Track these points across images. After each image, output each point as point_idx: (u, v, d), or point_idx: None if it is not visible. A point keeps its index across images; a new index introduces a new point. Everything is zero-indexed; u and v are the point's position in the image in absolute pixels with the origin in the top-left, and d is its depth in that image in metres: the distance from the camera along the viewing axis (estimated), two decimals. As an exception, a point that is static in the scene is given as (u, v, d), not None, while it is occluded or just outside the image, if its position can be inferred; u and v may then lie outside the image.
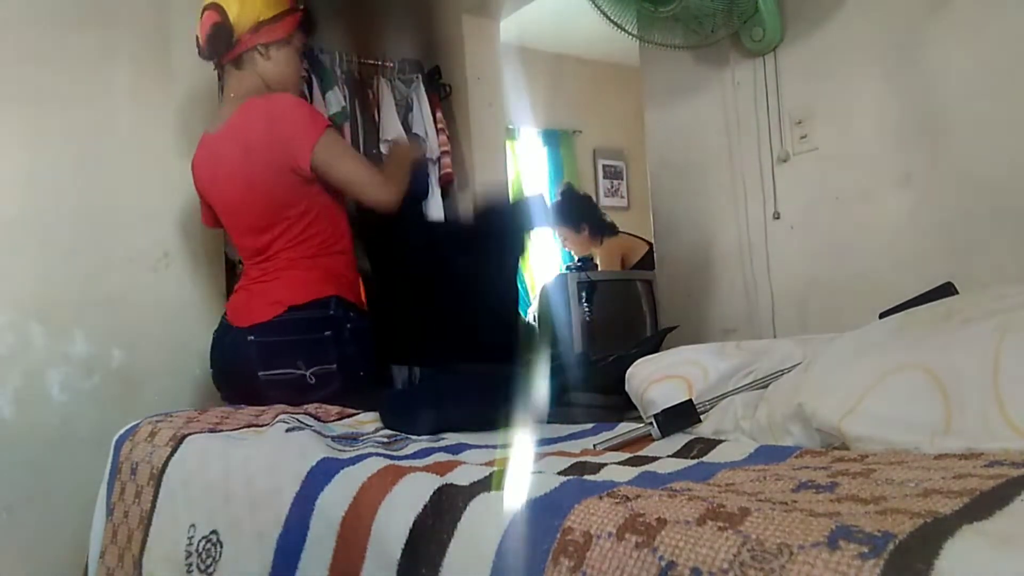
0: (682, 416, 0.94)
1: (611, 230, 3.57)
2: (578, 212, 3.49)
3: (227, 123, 1.64)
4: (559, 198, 3.55)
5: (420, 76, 2.91)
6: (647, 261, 3.40)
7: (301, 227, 1.62)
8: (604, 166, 4.91)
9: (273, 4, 1.68)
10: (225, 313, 1.73)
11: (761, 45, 1.90)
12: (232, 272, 2.39)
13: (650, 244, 3.46)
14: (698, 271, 2.18)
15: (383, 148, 2.79)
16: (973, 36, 1.54)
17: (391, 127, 2.78)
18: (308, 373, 1.58)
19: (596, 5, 1.76)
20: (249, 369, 1.58)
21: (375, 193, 1.62)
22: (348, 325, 1.64)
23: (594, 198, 4.81)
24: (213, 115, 1.77)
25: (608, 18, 1.80)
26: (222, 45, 1.65)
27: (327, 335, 1.61)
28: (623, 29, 1.82)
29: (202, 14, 1.65)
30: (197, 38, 1.69)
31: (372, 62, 2.92)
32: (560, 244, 3.58)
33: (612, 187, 4.97)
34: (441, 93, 2.97)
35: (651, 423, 0.93)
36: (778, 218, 1.94)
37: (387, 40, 3.08)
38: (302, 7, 1.76)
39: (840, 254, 1.81)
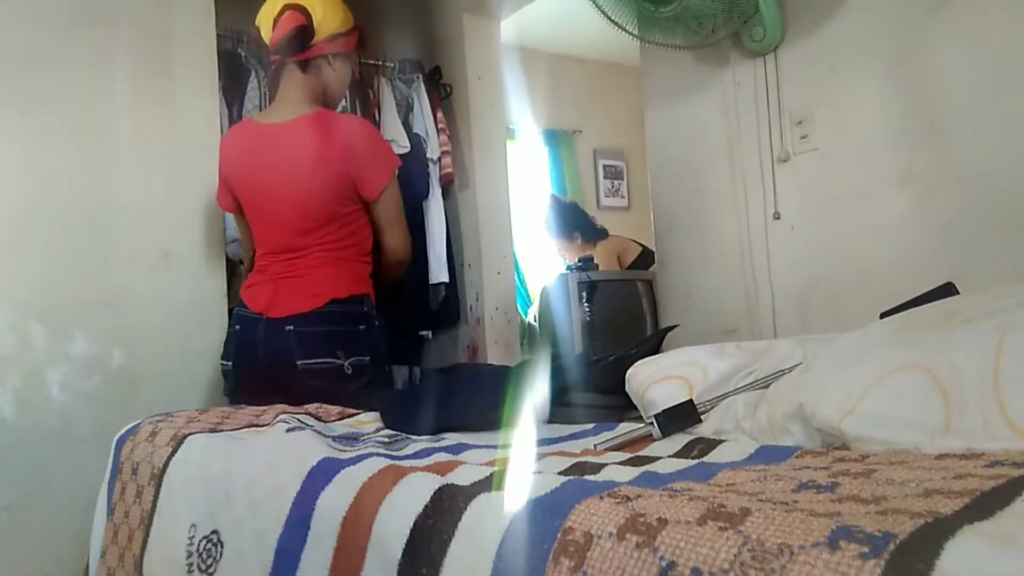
0: (683, 416, 0.94)
1: (603, 234, 3.58)
2: (569, 221, 3.50)
3: (291, 123, 1.70)
4: (547, 211, 3.55)
5: (420, 76, 2.91)
6: (640, 262, 3.40)
7: (343, 233, 1.73)
8: (604, 166, 4.90)
9: (348, 19, 1.79)
10: (245, 305, 1.75)
11: (761, 45, 1.90)
12: (233, 272, 2.39)
13: (643, 246, 3.47)
14: (698, 271, 2.18)
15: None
16: (973, 36, 1.54)
17: (392, 127, 2.78)
18: (346, 363, 1.65)
19: (596, 5, 1.76)
20: (287, 358, 1.64)
21: (403, 245, 1.81)
22: (376, 323, 1.75)
23: (594, 198, 4.82)
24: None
25: (608, 18, 1.80)
26: (298, 46, 1.70)
27: (362, 329, 1.70)
28: (623, 29, 1.82)
29: (282, 12, 1.69)
30: (259, 29, 1.74)
31: (372, 62, 2.92)
32: (557, 254, 3.58)
33: (612, 187, 4.97)
34: (441, 93, 2.97)
35: (651, 423, 0.93)
36: (778, 218, 1.94)
37: (387, 40, 3.08)
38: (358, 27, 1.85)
39: (840, 254, 1.81)
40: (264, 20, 1.72)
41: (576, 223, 3.51)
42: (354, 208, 1.73)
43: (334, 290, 1.68)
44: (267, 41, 1.73)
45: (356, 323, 1.70)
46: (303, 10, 1.68)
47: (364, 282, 1.76)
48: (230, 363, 1.75)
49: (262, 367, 1.69)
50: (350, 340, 1.68)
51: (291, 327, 1.65)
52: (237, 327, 1.75)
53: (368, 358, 1.69)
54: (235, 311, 1.79)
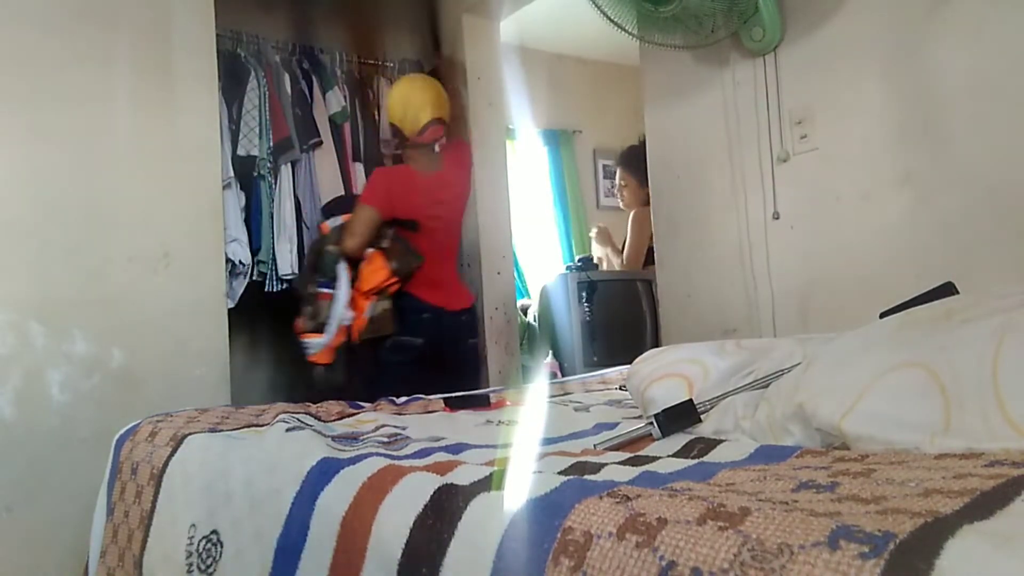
0: (682, 416, 0.94)
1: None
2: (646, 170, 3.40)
3: (439, 173, 2.43)
4: (637, 148, 3.44)
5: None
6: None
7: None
8: (604, 166, 4.90)
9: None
10: (424, 300, 2.30)
11: (761, 45, 1.89)
12: (232, 272, 2.39)
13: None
14: (698, 271, 2.18)
15: (383, 148, 2.79)
16: (973, 36, 1.54)
17: None
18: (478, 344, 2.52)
19: (596, 5, 1.76)
20: (464, 339, 2.45)
21: None
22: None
23: (594, 198, 4.81)
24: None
25: (608, 18, 1.80)
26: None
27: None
28: (623, 29, 1.82)
29: (429, 123, 2.35)
30: (399, 125, 2.39)
31: (372, 62, 2.92)
32: (617, 190, 3.53)
33: (612, 187, 4.96)
34: (441, 93, 2.97)
35: (651, 423, 0.93)
36: (778, 218, 1.94)
37: (387, 40, 3.08)
38: None
39: (840, 254, 1.81)
40: (409, 123, 2.34)
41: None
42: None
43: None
44: (408, 135, 2.35)
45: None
46: (444, 124, 2.41)
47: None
48: (418, 346, 2.28)
49: (448, 347, 2.34)
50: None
51: (464, 317, 2.45)
52: (429, 316, 2.31)
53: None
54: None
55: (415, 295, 2.30)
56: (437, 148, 2.45)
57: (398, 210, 2.30)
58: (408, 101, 2.34)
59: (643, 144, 3.19)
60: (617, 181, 3.56)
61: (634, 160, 3.34)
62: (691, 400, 0.96)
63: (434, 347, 2.30)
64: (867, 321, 0.99)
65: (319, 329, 2.12)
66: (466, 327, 2.44)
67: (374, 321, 2.18)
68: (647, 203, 3.41)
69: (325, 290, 2.17)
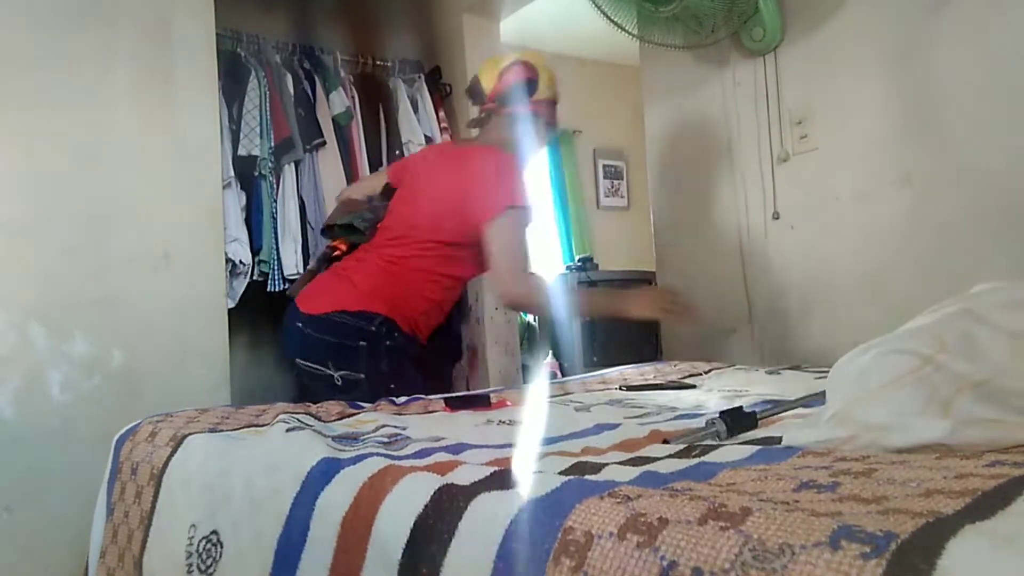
0: (744, 421, 0.93)
1: None
2: None
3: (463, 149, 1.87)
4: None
5: (422, 76, 2.92)
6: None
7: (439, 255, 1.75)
8: (604, 166, 4.90)
9: (558, 93, 1.88)
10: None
11: (761, 45, 1.90)
12: (233, 272, 2.39)
13: None
14: (698, 271, 2.18)
15: (406, 150, 2.76)
16: (973, 36, 1.54)
17: (407, 128, 2.79)
18: (336, 375, 1.67)
19: (596, 5, 1.76)
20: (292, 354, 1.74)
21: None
22: (387, 343, 1.71)
23: (594, 198, 4.82)
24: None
25: (608, 18, 1.80)
26: (521, 97, 1.80)
27: (362, 345, 1.68)
28: (623, 29, 1.82)
29: (510, 65, 1.79)
30: (477, 79, 1.84)
31: (374, 62, 2.92)
32: None
33: (612, 187, 4.97)
34: (443, 93, 2.97)
35: (716, 421, 0.92)
36: (778, 218, 1.94)
37: (387, 40, 3.08)
38: None
39: (840, 254, 1.81)
40: (488, 71, 1.82)
41: None
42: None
43: (345, 301, 1.75)
44: (486, 89, 1.81)
45: (356, 338, 1.69)
46: (531, 67, 1.79)
47: (388, 305, 1.74)
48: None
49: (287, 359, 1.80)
50: (346, 354, 1.69)
51: (300, 324, 1.75)
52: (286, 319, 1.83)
53: (363, 375, 1.68)
54: None
55: None
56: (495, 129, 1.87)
57: (400, 176, 1.96)
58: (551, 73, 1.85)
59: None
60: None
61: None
62: (754, 412, 0.95)
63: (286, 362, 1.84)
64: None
65: None
66: (299, 340, 1.75)
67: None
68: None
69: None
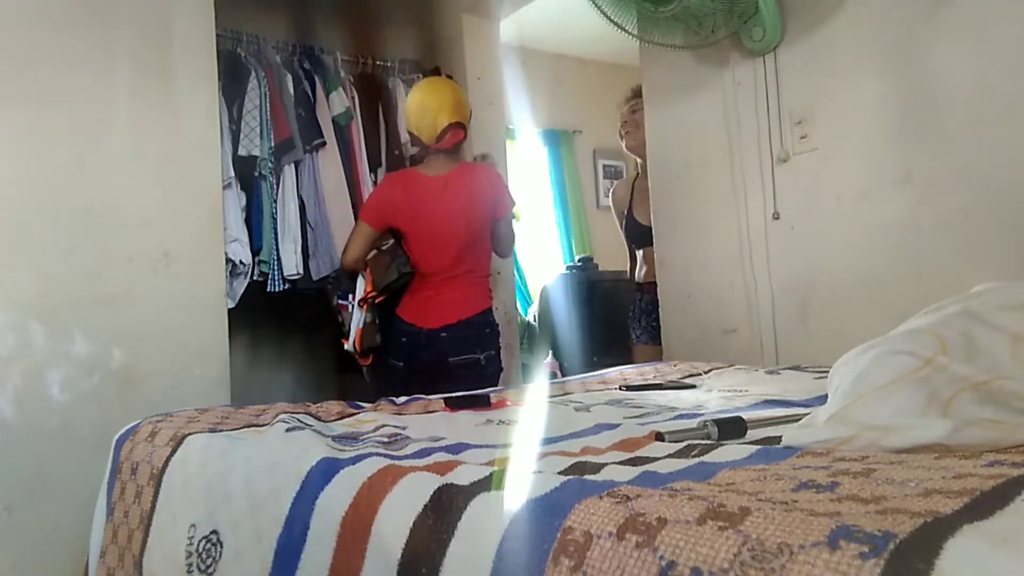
0: (735, 428, 0.94)
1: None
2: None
3: (447, 175, 2.25)
4: None
5: (421, 76, 2.92)
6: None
7: (483, 258, 2.32)
8: (604, 166, 4.90)
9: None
10: (400, 317, 2.23)
11: (761, 45, 1.90)
12: (233, 272, 2.39)
13: None
14: (698, 271, 2.18)
15: (405, 150, 2.77)
16: (973, 36, 1.54)
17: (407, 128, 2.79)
18: (482, 357, 2.21)
19: (596, 5, 1.76)
20: (445, 357, 2.18)
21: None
22: (499, 327, 2.34)
23: (594, 198, 4.81)
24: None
25: (608, 18, 1.80)
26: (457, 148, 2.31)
27: (498, 330, 2.32)
28: (623, 29, 1.82)
29: (447, 129, 2.22)
30: (417, 133, 2.26)
31: (374, 62, 2.92)
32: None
33: (612, 187, 4.96)
34: (442, 93, 2.97)
35: (707, 425, 0.92)
36: (778, 218, 1.94)
37: (387, 40, 3.08)
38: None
39: (840, 254, 1.81)
40: (426, 130, 2.23)
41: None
42: (489, 235, 2.40)
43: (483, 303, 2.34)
44: (427, 141, 2.24)
45: (494, 326, 2.32)
46: (463, 127, 2.26)
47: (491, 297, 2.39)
48: (402, 363, 2.21)
49: (424, 365, 2.20)
50: (488, 339, 2.29)
51: (444, 334, 2.21)
52: (409, 335, 2.23)
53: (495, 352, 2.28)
54: None
55: (397, 314, 2.25)
56: (458, 152, 2.34)
57: (391, 220, 2.25)
58: (425, 107, 2.23)
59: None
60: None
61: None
62: (742, 418, 0.95)
63: (415, 368, 2.20)
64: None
65: (347, 336, 2.31)
66: (448, 343, 2.18)
67: (363, 333, 2.24)
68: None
69: (343, 302, 2.34)
